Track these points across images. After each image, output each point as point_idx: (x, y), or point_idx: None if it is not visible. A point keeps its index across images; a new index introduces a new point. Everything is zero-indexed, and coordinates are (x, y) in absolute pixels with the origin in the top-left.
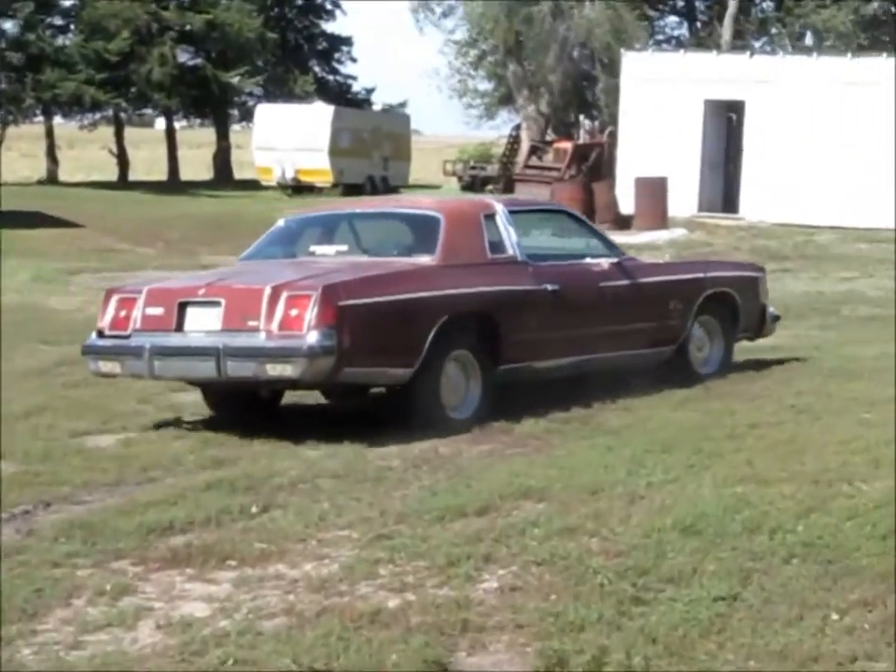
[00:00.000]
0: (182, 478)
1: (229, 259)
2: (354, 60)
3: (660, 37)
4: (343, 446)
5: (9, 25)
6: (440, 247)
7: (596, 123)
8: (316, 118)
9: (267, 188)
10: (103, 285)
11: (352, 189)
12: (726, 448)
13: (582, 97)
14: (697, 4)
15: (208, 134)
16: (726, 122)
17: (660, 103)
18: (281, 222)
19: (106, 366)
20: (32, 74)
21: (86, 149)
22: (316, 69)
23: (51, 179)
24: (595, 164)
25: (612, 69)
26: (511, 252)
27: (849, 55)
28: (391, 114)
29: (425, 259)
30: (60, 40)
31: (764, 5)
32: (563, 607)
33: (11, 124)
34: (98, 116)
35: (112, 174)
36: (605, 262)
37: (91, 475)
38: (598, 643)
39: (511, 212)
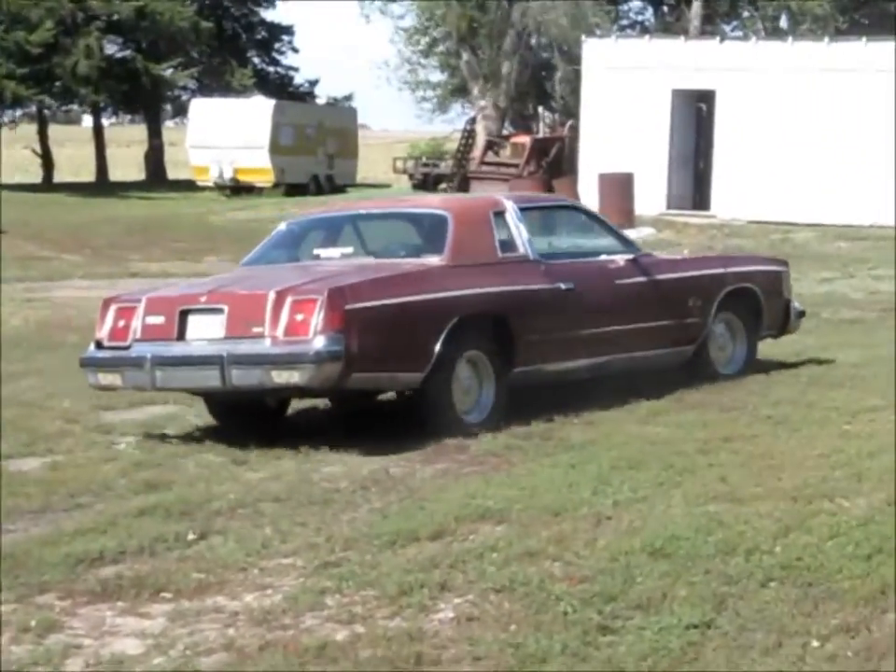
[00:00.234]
0: (112, 504)
1: (163, 265)
2: (295, 50)
3: (624, 22)
4: (286, 467)
5: None
6: (448, 247)
7: (557, 116)
8: (256, 113)
9: (203, 188)
10: (25, 295)
11: (295, 189)
12: (698, 463)
13: (541, 88)
14: None
15: (139, 132)
16: (696, 113)
17: (624, 93)
18: (283, 225)
19: (106, 378)
20: None
21: (7, 149)
22: (255, 60)
23: None
24: (556, 160)
25: (573, 57)
26: (522, 250)
27: (827, 40)
28: (336, 108)
29: (433, 260)
30: None
31: None
32: (524, 637)
33: None
34: (20, 113)
35: (36, 175)
36: (620, 259)
37: (14, 502)
38: None
39: (522, 209)
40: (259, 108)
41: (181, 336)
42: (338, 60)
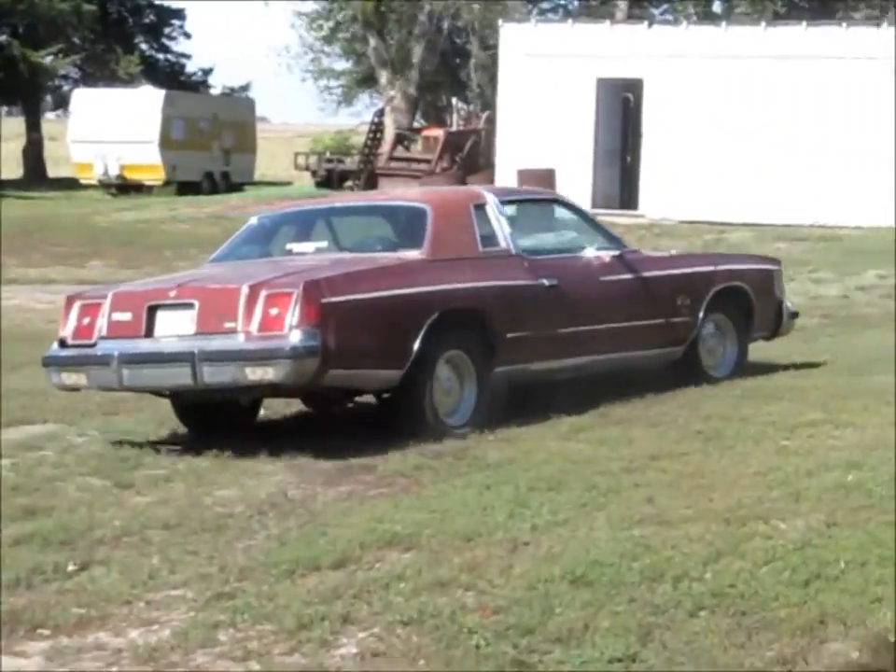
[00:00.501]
0: None
1: (43, 270)
2: (187, 35)
3: (545, 6)
4: (176, 490)
5: None
6: (427, 241)
7: (472, 107)
8: (144, 104)
9: (87, 186)
10: None
11: (187, 188)
12: (623, 484)
13: (456, 77)
14: None
15: (16, 125)
16: (622, 104)
17: (545, 82)
18: (254, 220)
19: (70, 378)
20: None
21: None
22: (143, 47)
23: None
24: (471, 154)
25: (489, 43)
26: (503, 245)
27: (764, 25)
28: (232, 99)
29: (412, 254)
30: None
31: None
32: None
33: None
34: None
35: None
36: (605, 255)
37: None
38: None
39: (503, 202)
40: (148, 99)
41: (149, 333)
42: (234, 46)
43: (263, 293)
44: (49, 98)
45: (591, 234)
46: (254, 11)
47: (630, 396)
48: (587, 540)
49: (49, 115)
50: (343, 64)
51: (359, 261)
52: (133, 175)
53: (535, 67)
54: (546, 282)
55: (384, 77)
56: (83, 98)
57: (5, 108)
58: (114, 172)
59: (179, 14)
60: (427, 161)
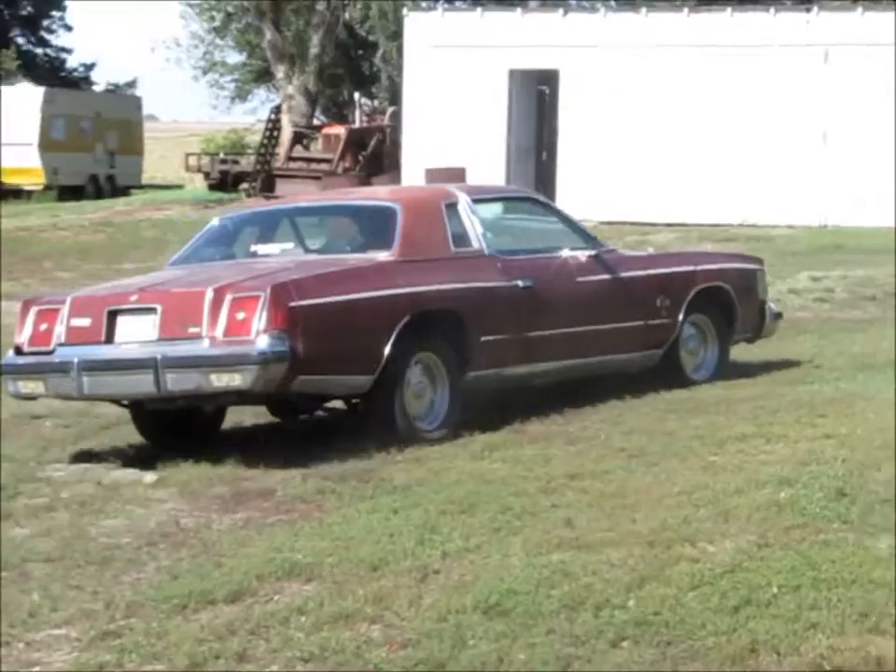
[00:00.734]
0: None
1: None
2: (68, 28)
3: None
4: (59, 521)
5: None
6: (398, 241)
7: (377, 102)
8: (21, 102)
9: None
10: None
11: (70, 192)
12: (540, 505)
13: (358, 70)
14: None
15: None
16: (537, 97)
17: (454, 74)
18: (216, 221)
19: (27, 386)
20: None
21: None
22: (20, 40)
23: None
24: (376, 153)
25: (395, 34)
26: (476, 245)
27: (687, 11)
28: (117, 96)
29: (382, 255)
30: None
31: None
32: None
33: None
34: None
35: None
36: (582, 255)
37: None
38: None
39: (475, 200)
40: (26, 97)
41: (110, 339)
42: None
43: (229, 297)
44: None
45: (566, 233)
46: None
47: (548, 411)
48: (501, 567)
49: None
50: (236, 58)
51: (328, 263)
52: (10, 180)
53: (443, 59)
54: (521, 283)
55: (280, 70)
56: None
57: None
58: None
59: (59, 5)
60: (329, 161)
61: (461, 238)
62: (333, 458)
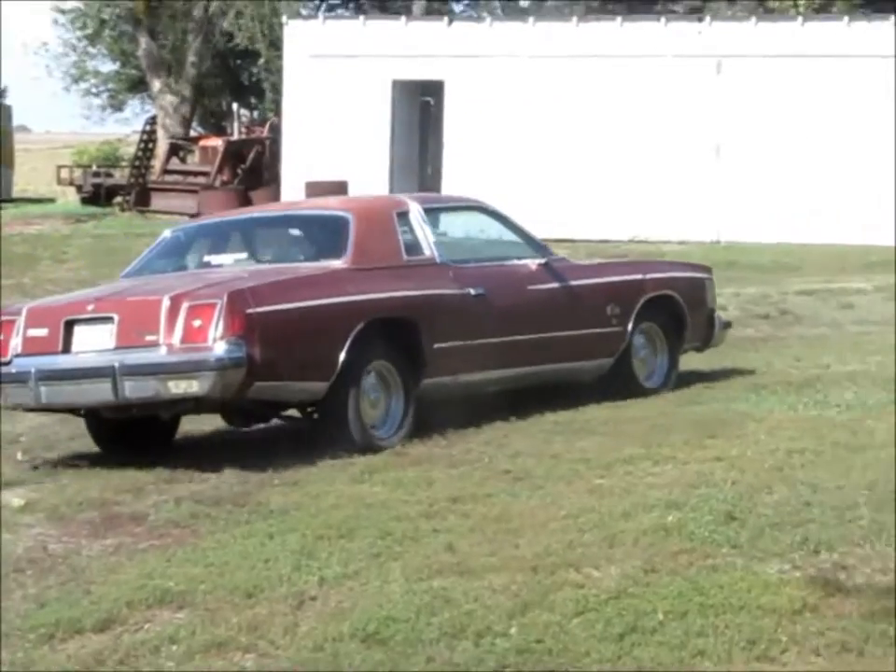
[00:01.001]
0: None
1: None
2: None
3: (334, 1)
4: None
5: None
6: (350, 249)
7: (257, 113)
8: None
9: None
10: None
11: None
12: (421, 530)
13: (237, 80)
14: None
15: None
16: (421, 108)
17: (336, 85)
18: (168, 233)
19: None
20: None
21: None
22: None
23: None
24: (255, 166)
25: (275, 42)
26: (428, 253)
27: (575, 20)
28: None
29: (335, 263)
30: None
31: None
32: None
33: None
34: None
35: None
36: (532, 263)
37: None
38: None
39: (427, 210)
40: None
41: (66, 348)
42: None
43: (185, 304)
44: None
45: (516, 242)
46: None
47: (430, 432)
48: (381, 594)
49: None
50: (110, 67)
51: (282, 271)
52: None
53: (324, 69)
54: (472, 291)
55: (156, 80)
56: None
57: None
58: None
59: None
60: (206, 174)
61: (413, 246)
62: (209, 481)
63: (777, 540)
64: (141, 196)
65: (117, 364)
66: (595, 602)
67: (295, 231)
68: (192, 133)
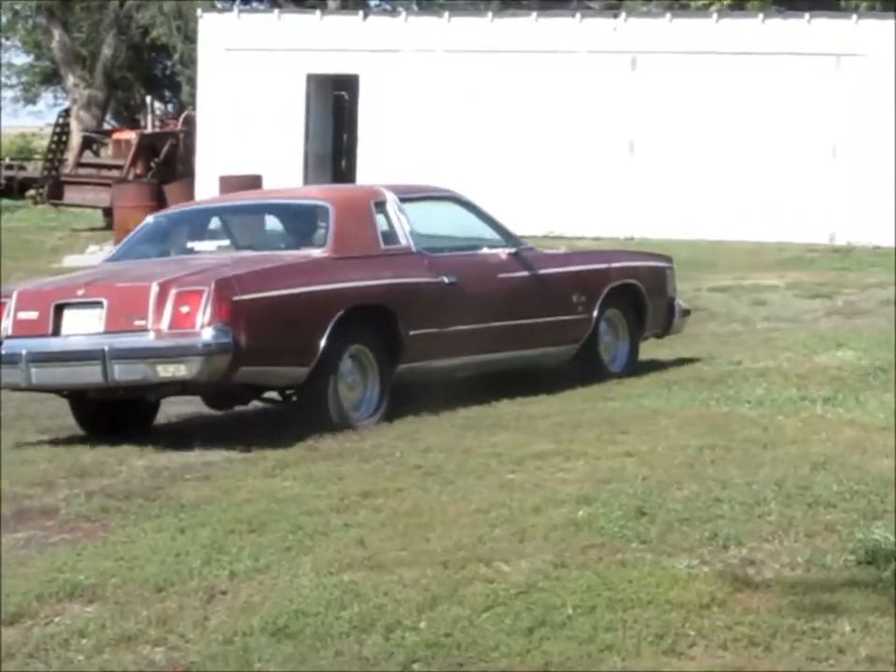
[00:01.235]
0: None
1: None
2: None
3: None
4: None
5: None
6: (331, 238)
7: (172, 106)
8: None
9: None
10: None
11: None
12: (332, 524)
13: (150, 72)
14: None
15: None
16: (335, 103)
17: (249, 79)
18: (150, 219)
19: None
20: None
21: None
22: None
23: None
24: (169, 160)
25: (190, 35)
26: (404, 242)
27: (490, 15)
28: None
29: (316, 252)
30: None
31: None
32: None
33: None
34: None
35: None
36: (502, 252)
37: None
38: None
39: (402, 199)
40: None
41: (56, 332)
42: None
43: (173, 291)
44: None
45: (488, 232)
46: None
47: (341, 427)
48: (291, 588)
49: None
50: (23, 59)
51: (265, 259)
52: None
53: (238, 62)
54: (446, 279)
55: (70, 73)
56: None
57: None
58: None
59: None
60: (119, 168)
61: (390, 235)
62: (119, 475)
63: (687, 536)
64: (54, 189)
65: (106, 348)
66: (505, 596)
67: (275, 220)
68: (106, 127)
